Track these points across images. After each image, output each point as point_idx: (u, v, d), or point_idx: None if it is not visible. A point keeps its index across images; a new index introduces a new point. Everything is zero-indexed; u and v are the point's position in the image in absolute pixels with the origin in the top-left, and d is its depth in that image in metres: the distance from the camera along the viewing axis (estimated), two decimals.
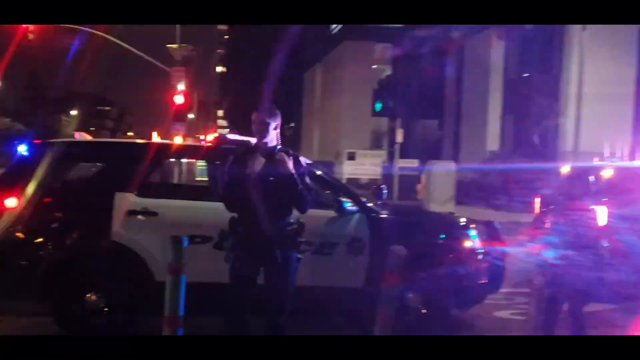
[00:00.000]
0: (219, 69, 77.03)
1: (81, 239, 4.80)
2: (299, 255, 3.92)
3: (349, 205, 5.20)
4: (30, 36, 17.77)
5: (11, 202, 4.69)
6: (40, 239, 4.75)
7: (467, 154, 24.01)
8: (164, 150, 5.29)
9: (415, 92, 25.89)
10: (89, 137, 5.60)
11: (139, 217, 4.83)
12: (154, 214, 4.85)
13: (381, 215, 5.41)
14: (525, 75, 22.79)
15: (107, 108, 75.95)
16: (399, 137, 19.72)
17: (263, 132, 3.74)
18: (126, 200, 4.83)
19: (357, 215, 5.22)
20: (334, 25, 33.70)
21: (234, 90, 51.66)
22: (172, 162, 5.97)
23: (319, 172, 5.35)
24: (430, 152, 24.60)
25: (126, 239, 4.77)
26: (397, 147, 19.92)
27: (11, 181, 4.80)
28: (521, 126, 22.64)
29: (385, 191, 5.96)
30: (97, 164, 5.28)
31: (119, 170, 5.00)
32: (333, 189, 5.40)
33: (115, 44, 21.43)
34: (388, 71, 29.94)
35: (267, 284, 3.80)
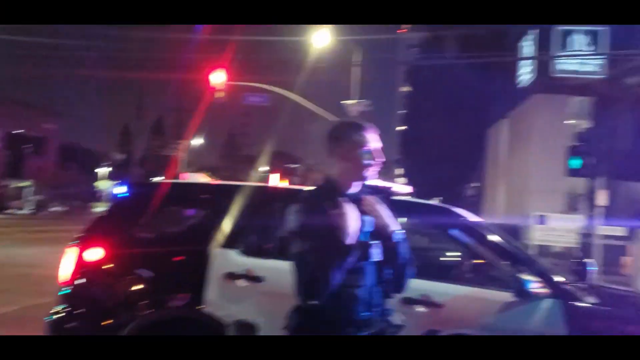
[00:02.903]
0: (398, 128, 77.46)
1: (167, 304, 3.78)
2: None
3: (535, 287, 3.53)
4: (221, 94, 18.61)
5: (95, 254, 3.86)
6: (123, 298, 3.81)
7: None
8: (278, 195, 4.09)
9: (621, 148, 22.12)
10: (203, 179, 4.69)
11: (240, 282, 3.68)
12: (258, 279, 3.67)
13: (585, 305, 3.61)
14: None
15: (294, 165, 79.72)
16: (602, 199, 16.45)
17: None
18: (227, 258, 3.74)
19: (548, 303, 3.52)
20: (521, 78, 31.04)
21: (412, 149, 51.32)
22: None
23: (493, 237, 3.84)
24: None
25: (221, 311, 3.63)
26: (598, 210, 16.60)
27: (100, 228, 3.99)
28: None
29: (592, 268, 4.12)
30: (200, 210, 4.21)
31: (223, 218, 3.88)
32: (514, 260, 3.77)
33: (295, 101, 21.82)
34: (585, 125, 26.48)
35: None
